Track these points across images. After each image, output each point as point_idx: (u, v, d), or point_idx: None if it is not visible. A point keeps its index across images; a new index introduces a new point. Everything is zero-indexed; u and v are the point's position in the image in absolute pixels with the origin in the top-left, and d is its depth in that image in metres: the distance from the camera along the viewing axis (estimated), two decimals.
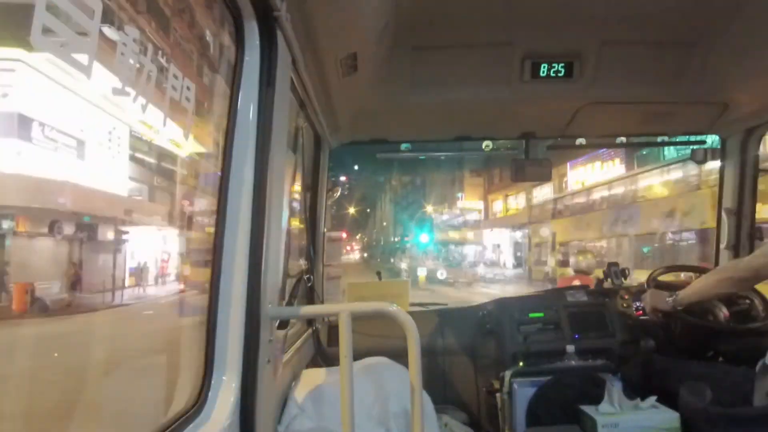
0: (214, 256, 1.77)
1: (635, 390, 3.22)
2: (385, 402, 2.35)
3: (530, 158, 4.07)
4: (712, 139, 4.40)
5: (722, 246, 4.29)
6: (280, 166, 2.04)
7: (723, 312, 3.52)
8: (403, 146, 4.37)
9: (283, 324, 2.23)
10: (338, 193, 4.50)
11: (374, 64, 2.90)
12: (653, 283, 3.81)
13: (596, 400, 3.09)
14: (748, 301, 3.52)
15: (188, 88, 1.75)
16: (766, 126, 4.04)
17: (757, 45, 2.97)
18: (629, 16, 2.82)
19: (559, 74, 3.21)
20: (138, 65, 1.42)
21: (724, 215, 4.30)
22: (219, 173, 1.84)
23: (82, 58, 1.14)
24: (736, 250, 4.19)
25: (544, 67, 3.19)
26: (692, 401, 2.96)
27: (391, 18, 2.58)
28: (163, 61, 1.59)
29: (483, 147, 4.34)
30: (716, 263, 4.35)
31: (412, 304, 4.31)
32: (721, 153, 4.32)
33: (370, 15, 2.41)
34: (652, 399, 3.03)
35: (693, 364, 3.35)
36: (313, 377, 2.54)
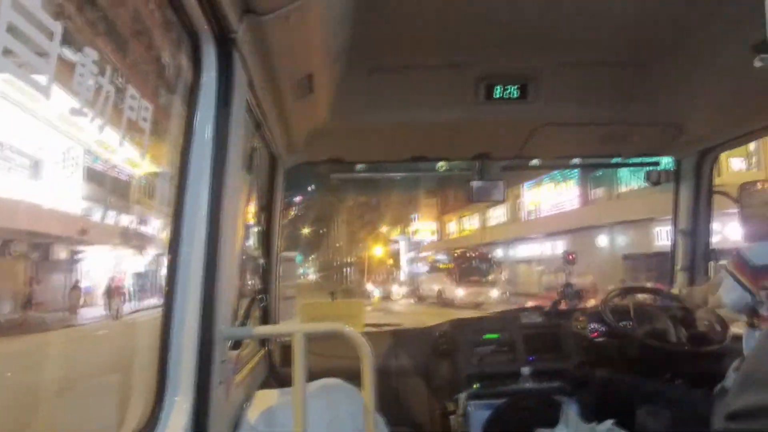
0: (168, 276, 1.76)
1: (591, 413, 3.22)
2: (338, 424, 2.34)
3: (485, 179, 4.09)
4: (666, 161, 4.45)
5: (677, 267, 4.34)
6: (235, 186, 2.04)
7: (681, 333, 3.53)
8: (359, 167, 4.37)
9: (237, 344, 2.22)
10: (293, 213, 4.48)
11: (330, 85, 2.92)
12: (609, 305, 3.81)
13: (552, 422, 3.08)
14: (706, 322, 3.51)
15: (146, 109, 1.75)
16: (719, 147, 4.12)
17: (708, 67, 3.02)
18: (582, 39, 2.86)
19: (513, 96, 3.24)
20: (96, 86, 1.43)
21: (678, 237, 4.35)
22: (174, 192, 1.84)
23: (41, 79, 1.14)
24: (691, 272, 4.23)
25: (498, 88, 3.22)
26: (650, 424, 2.98)
27: (346, 40, 2.60)
28: (121, 81, 1.59)
29: (437, 168, 4.37)
30: (671, 284, 4.39)
31: (368, 325, 4.30)
32: (675, 174, 4.37)
33: (326, 37, 2.43)
34: (609, 422, 3.01)
35: (651, 386, 3.35)
36: (266, 398, 2.51)
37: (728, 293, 2.90)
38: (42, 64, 1.13)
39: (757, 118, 3.53)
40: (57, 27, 1.20)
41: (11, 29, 1.04)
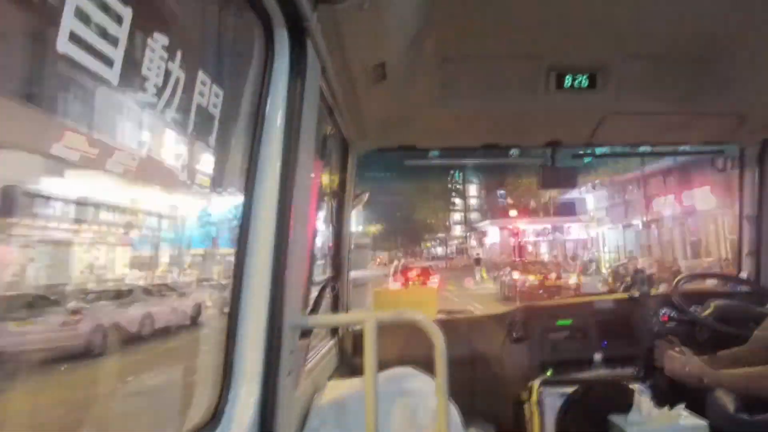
0: (236, 264, 1.76)
1: (664, 398, 3.18)
2: (411, 414, 2.32)
3: (556, 166, 4.09)
4: (731, 148, 4.46)
5: (744, 253, 4.34)
6: (307, 172, 2.03)
7: (750, 317, 3.51)
8: (431, 153, 4.38)
9: (306, 333, 2.22)
10: (366, 199, 4.49)
11: (403, 73, 2.90)
12: (679, 290, 3.86)
13: (625, 409, 3.06)
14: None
15: (216, 95, 1.75)
16: None
17: None
18: (649, 32, 2.85)
19: (583, 85, 3.25)
20: (166, 71, 1.42)
21: (744, 223, 4.37)
22: (244, 179, 1.83)
23: (110, 61, 1.14)
24: (757, 257, 4.23)
25: (569, 78, 3.24)
26: (721, 408, 2.93)
27: (419, 28, 2.58)
28: (191, 68, 1.59)
29: (509, 155, 4.37)
30: (738, 269, 4.42)
31: (440, 311, 4.30)
32: (740, 162, 4.38)
33: (400, 26, 2.41)
34: (681, 407, 2.99)
35: (721, 373, 3.30)
36: (337, 388, 2.51)
37: None
38: (110, 50, 1.12)
39: None
40: (126, 12, 1.19)
41: (79, 13, 1.03)
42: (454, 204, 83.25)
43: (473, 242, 77.83)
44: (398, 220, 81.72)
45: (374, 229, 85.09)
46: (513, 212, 60.93)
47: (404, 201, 73.40)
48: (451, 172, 76.94)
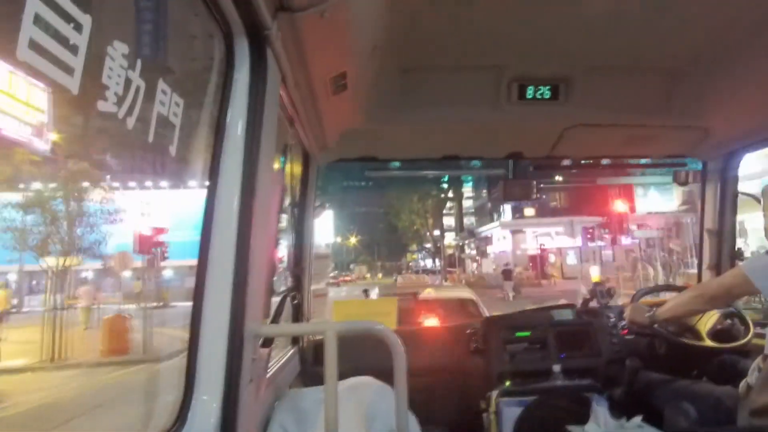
0: (198, 273, 1.76)
1: (621, 409, 3.21)
2: (370, 423, 2.33)
3: (517, 178, 4.11)
4: (693, 162, 4.50)
5: (704, 266, 4.39)
6: (267, 183, 2.04)
7: (707, 331, 3.53)
8: (392, 164, 4.39)
9: (268, 342, 2.21)
10: (326, 210, 4.48)
11: (364, 83, 2.91)
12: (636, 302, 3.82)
13: (582, 419, 3.08)
14: (729, 321, 3.54)
15: (177, 104, 1.75)
16: (744, 150, 4.15)
17: (736, 73, 3.05)
18: (614, 44, 2.88)
19: (545, 96, 3.26)
20: (126, 80, 1.42)
21: (705, 236, 4.40)
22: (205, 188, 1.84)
23: (70, 70, 1.14)
24: (717, 270, 4.26)
25: (531, 89, 3.24)
26: (677, 421, 2.98)
27: (380, 39, 2.60)
28: (151, 76, 1.59)
29: (470, 166, 4.40)
30: (699, 282, 4.41)
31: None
32: (702, 175, 4.41)
33: (360, 35, 2.42)
34: (638, 419, 3.00)
35: (678, 383, 3.38)
36: (297, 397, 2.51)
37: (763, 276, 2.85)
38: (70, 58, 1.12)
39: None
40: (86, 20, 1.19)
41: (39, 21, 1.03)
42: (443, 208, 70.09)
43: (472, 251, 67.60)
44: (379, 231, 77.86)
45: (353, 240, 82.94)
46: (530, 211, 52.06)
47: (385, 210, 70.10)
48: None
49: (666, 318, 3.36)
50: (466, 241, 69.53)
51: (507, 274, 38.10)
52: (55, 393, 11.84)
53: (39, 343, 15.21)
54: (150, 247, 19.64)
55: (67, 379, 13.43)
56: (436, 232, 66.59)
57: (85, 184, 18.63)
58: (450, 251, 70.30)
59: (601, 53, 2.98)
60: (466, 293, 10.29)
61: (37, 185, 18.30)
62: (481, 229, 62.61)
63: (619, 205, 25.61)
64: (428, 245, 75.02)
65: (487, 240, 60.40)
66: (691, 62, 3.06)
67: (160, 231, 20.65)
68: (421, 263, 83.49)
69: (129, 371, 14.39)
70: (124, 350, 16.26)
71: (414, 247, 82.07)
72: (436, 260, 72.66)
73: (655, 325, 3.39)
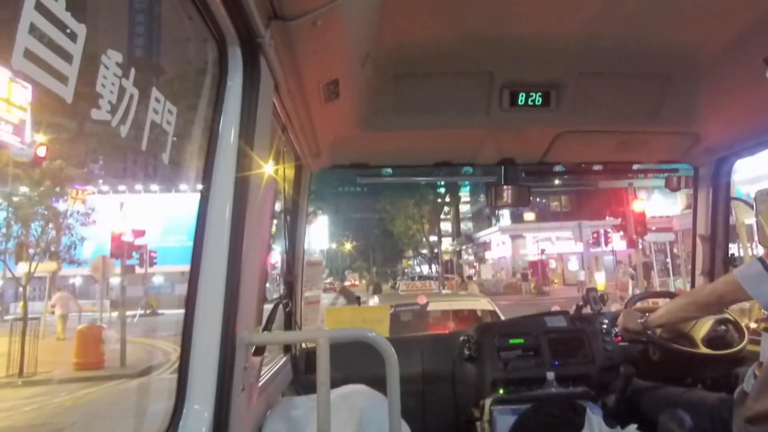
0: (190, 280, 1.76)
1: (615, 417, 3.20)
2: (363, 431, 2.33)
3: (508, 184, 4.10)
4: (685, 167, 4.50)
5: (698, 272, 4.38)
6: (260, 190, 2.04)
7: (700, 338, 3.51)
8: (384, 171, 4.39)
9: (260, 350, 2.21)
10: (320, 216, 4.49)
11: (356, 91, 2.92)
12: (630, 309, 3.81)
13: (576, 427, 3.08)
14: (723, 327, 3.51)
15: (170, 112, 1.75)
16: (736, 156, 4.16)
17: (727, 79, 3.07)
18: (604, 50, 2.89)
19: (537, 103, 3.26)
20: (120, 88, 1.42)
21: (698, 242, 4.40)
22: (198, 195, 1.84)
23: (64, 78, 1.14)
24: (711, 276, 4.26)
25: (522, 95, 3.25)
26: (672, 428, 2.98)
27: (372, 46, 2.61)
28: (145, 84, 1.59)
29: (462, 172, 4.39)
30: (692, 288, 4.43)
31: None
32: (694, 181, 4.42)
33: (353, 43, 2.43)
34: (632, 427, 3.01)
35: (672, 391, 3.36)
36: (290, 405, 2.50)
37: (761, 290, 2.85)
38: (65, 67, 1.12)
39: None
40: (81, 29, 1.19)
41: (34, 30, 1.03)
42: (440, 213, 63.94)
43: (470, 257, 68.56)
44: (375, 237, 75.94)
45: (348, 247, 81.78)
46: (530, 215, 52.29)
47: (381, 216, 66.23)
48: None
49: (658, 324, 3.38)
50: (464, 247, 69.38)
51: (525, 276, 46.61)
52: (10, 415, 11.02)
53: (8, 355, 14.37)
54: (128, 251, 18.77)
55: (31, 397, 12.36)
56: (433, 238, 65.15)
57: (57, 184, 18.14)
58: (447, 257, 68.71)
59: (591, 59, 2.99)
60: (482, 303, 9.04)
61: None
62: (479, 235, 62.65)
63: (638, 205, 25.06)
64: (425, 251, 72.02)
65: (486, 245, 60.70)
66: (682, 68, 3.08)
67: (138, 234, 19.81)
68: (417, 269, 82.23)
69: (99, 389, 13.53)
70: (98, 363, 15.28)
71: (410, 252, 79.88)
72: (433, 266, 69.46)
73: (649, 332, 3.40)
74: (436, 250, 62.95)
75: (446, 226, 71.53)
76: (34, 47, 1.05)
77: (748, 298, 2.91)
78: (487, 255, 60.53)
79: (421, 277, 66.40)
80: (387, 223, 67.09)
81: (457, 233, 70.59)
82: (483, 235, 61.01)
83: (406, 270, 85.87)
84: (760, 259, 2.81)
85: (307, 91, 2.63)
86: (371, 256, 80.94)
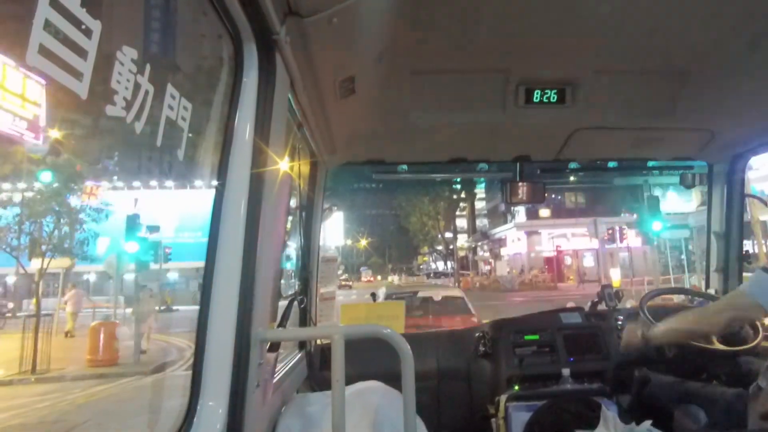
0: (205, 277, 1.76)
1: (630, 413, 3.21)
2: (377, 428, 2.32)
3: (524, 181, 4.10)
4: (700, 164, 4.52)
5: (712, 269, 4.40)
6: (275, 187, 2.04)
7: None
8: (400, 168, 4.39)
9: (274, 347, 2.21)
10: (335, 213, 4.50)
11: (372, 87, 2.91)
12: (644, 305, 3.82)
13: (592, 424, 3.06)
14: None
15: (185, 108, 1.75)
16: (750, 153, 4.18)
17: (742, 76, 3.05)
18: (620, 47, 2.87)
19: (552, 100, 3.25)
20: (135, 84, 1.42)
21: (713, 239, 4.41)
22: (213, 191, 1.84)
23: (79, 74, 1.14)
24: (725, 273, 4.29)
25: (538, 93, 3.24)
26: (687, 424, 2.97)
27: (388, 43, 2.60)
28: (160, 80, 1.59)
29: (478, 169, 4.39)
30: (707, 286, 4.47)
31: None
32: (708, 178, 4.43)
33: (369, 40, 2.42)
34: (647, 423, 2.99)
35: (688, 386, 3.37)
36: (304, 402, 2.50)
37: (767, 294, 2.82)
38: (81, 61, 1.12)
39: None
40: (96, 25, 1.19)
41: (49, 26, 1.03)
42: (455, 209, 68.61)
43: (485, 253, 66.72)
44: (390, 234, 76.77)
45: (363, 243, 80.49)
46: (545, 212, 50.97)
47: (396, 212, 68.72)
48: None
49: (661, 342, 3.31)
50: (479, 243, 67.86)
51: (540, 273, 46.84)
52: (24, 412, 11.05)
53: (20, 351, 14.41)
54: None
55: (43, 394, 12.33)
56: (448, 234, 64.98)
57: (70, 180, 18.13)
58: (462, 253, 67.89)
59: (606, 56, 2.98)
60: (455, 292, 13.94)
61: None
62: (494, 231, 61.08)
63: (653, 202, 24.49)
64: (440, 247, 72.60)
65: (501, 242, 59.54)
66: (697, 65, 3.06)
67: (152, 230, 19.79)
68: (432, 265, 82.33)
69: (112, 385, 13.48)
70: (112, 360, 15.32)
71: (425, 249, 79.84)
72: (448, 263, 70.17)
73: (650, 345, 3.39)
74: (451, 247, 63.21)
75: (462, 223, 71.56)
76: (49, 43, 1.05)
77: (765, 313, 2.83)
78: (503, 251, 59.46)
79: (437, 274, 68.88)
80: (402, 220, 67.25)
81: (472, 230, 68.59)
82: (498, 231, 59.51)
83: (421, 266, 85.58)
84: (765, 270, 2.77)
85: (322, 88, 2.62)
86: (387, 252, 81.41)
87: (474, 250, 69.81)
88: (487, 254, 66.46)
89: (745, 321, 3.21)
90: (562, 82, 3.23)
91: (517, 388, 3.59)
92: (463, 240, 70.02)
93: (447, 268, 70.46)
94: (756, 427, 2.70)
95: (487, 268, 62.89)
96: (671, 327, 3.24)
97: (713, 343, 3.40)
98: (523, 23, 2.64)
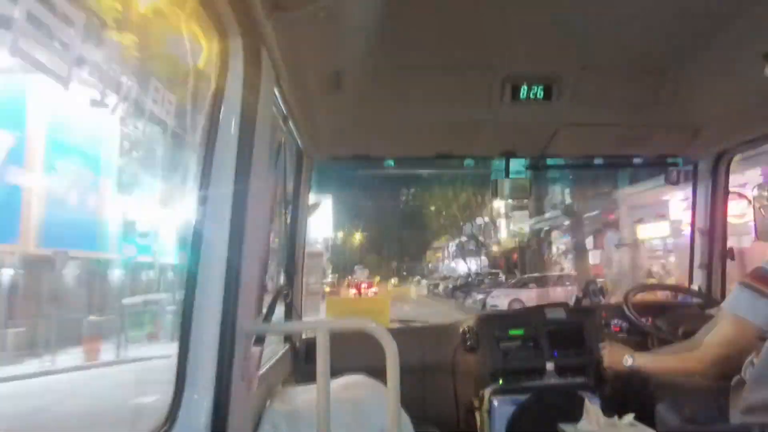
0: (189, 270, 1.76)
1: (613, 407, 3.24)
2: (362, 421, 2.33)
3: (510, 177, 4.13)
4: (684, 162, 4.54)
5: (696, 265, 4.45)
6: (261, 181, 2.03)
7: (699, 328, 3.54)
8: (386, 163, 4.40)
9: (260, 340, 2.22)
10: (319, 209, 4.51)
11: (358, 82, 2.92)
12: (629, 301, 3.91)
13: (575, 417, 3.11)
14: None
15: (169, 102, 1.75)
16: (734, 150, 4.22)
17: (724, 74, 3.07)
18: (606, 44, 2.88)
19: (538, 96, 3.26)
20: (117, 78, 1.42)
21: (697, 235, 4.47)
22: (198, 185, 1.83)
23: (62, 69, 1.14)
24: (708, 269, 4.34)
25: (524, 89, 3.24)
26: (669, 418, 3.00)
27: (375, 38, 2.60)
28: (143, 74, 1.59)
29: (464, 165, 4.40)
30: (690, 281, 4.50)
31: (393, 320, 4.32)
32: (693, 175, 4.48)
33: (355, 35, 2.43)
34: (630, 416, 3.04)
35: (670, 381, 3.38)
36: (290, 395, 2.51)
37: (755, 310, 2.77)
38: (63, 54, 1.12)
39: None
40: (79, 17, 1.18)
41: (31, 18, 1.03)
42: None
43: (560, 245, 38.27)
44: (392, 224, 61.57)
45: (358, 237, 68.87)
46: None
47: (402, 198, 56.18)
48: None
49: (648, 372, 3.28)
50: (565, 224, 35.74)
51: None
52: None
53: None
54: None
55: None
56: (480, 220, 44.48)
57: None
58: (510, 246, 44.92)
59: (593, 52, 2.99)
60: None
61: None
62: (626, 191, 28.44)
63: None
64: (464, 238, 50.16)
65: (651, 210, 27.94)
66: (682, 62, 3.08)
67: None
68: (452, 265, 59.89)
69: None
70: None
71: (442, 240, 61.01)
72: (481, 259, 49.46)
73: (643, 319, 3.46)
74: (484, 237, 46.32)
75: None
76: (34, 35, 1.05)
77: (757, 331, 2.70)
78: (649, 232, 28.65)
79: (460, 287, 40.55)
80: (410, 202, 54.55)
81: (537, 210, 39.98)
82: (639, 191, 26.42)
83: (431, 266, 70.82)
84: (744, 285, 2.71)
85: (309, 83, 2.63)
86: (386, 247, 68.35)
87: (544, 239, 40.87)
88: (561, 246, 38.71)
89: (741, 347, 2.88)
90: (549, 78, 3.24)
91: (501, 382, 3.62)
92: (519, 222, 43.56)
93: (482, 268, 47.33)
94: (737, 420, 2.72)
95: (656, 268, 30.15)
96: (659, 363, 3.22)
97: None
98: (509, 19, 2.64)
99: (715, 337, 2.90)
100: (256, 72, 1.91)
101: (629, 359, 3.28)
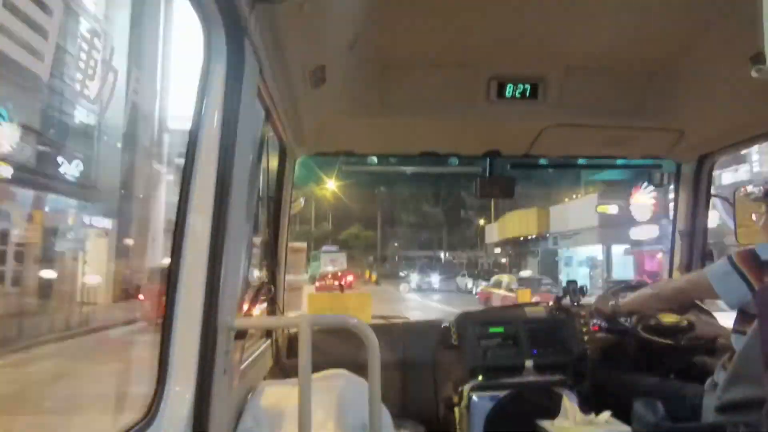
0: (172, 264, 1.75)
1: (590, 405, 3.29)
2: (343, 415, 2.33)
3: (494, 176, 4.14)
4: (668, 164, 4.58)
5: (676, 266, 4.49)
6: (244, 175, 2.02)
7: (676, 329, 3.66)
8: (370, 160, 4.40)
9: (241, 334, 2.21)
10: (302, 204, 4.49)
11: (342, 78, 2.91)
12: (617, 297, 3.96)
13: (553, 414, 3.16)
14: (686, 322, 3.67)
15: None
16: (718, 153, 4.24)
17: (711, 75, 3.09)
18: (592, 45, 2.91)
19: (525, 95, 3.28)
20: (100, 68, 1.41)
21: (678, 237, 4.50)
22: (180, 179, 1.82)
23: (42, 59, 1.12)
24: (688, 270, 4.36)
25: (510, 87, 3.26)
26: (645, 416, 3.04)
27: (360, 33, 2.60)
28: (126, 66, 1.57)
29: (448, 163, 4.41)
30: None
31: (375, 317, 4.33)
32: (676, 177, 4.51)
33: (340, 29, 2.42)
34: (607, 414, 3.10)
35: (646, 380, 3.49)
36: (271, 389, 2.50)
37: (727, 288, 2.93)
38: (41, 44, 1.10)
39: (754, 126, 3.65)
40: (57, 4, 1.17)
41: (8, 4, 1.01)
42: None
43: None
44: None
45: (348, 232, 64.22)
46: None
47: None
48: None
49: (626, 311, 3.66)
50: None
51: None
52: None
53: None
54: None
55: None
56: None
57: None
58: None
59: (578, 53, 3.01)
60: None
61: None
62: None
63: None
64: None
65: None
66: (667, 65, 3.11)
67: None
68: (469, 283, 44.97)
69: None
70: None
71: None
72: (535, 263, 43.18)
73: (621, 319, 3.66)
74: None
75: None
76: (7, 21, 1.03)
77: (714, 296, 3.01)
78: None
79: None
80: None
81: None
82: None
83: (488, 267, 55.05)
84: (729, 258, 2.88)
85: (292, 77, 2.61)
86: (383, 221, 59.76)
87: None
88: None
89: (693, 297, 3.54)
90: (535, 78, 3.26)
91: (480, 378, 3.64)
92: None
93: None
94: (710, 419, 2.80)
95: None
96: (633, 299, 3.63)
97: (669, 337, 3.58)
98: (496, 18, 2.66)
99: (677, 284, 3.58)
100: (240, 64, 1.89)
101: (611, 304, 3.71)
